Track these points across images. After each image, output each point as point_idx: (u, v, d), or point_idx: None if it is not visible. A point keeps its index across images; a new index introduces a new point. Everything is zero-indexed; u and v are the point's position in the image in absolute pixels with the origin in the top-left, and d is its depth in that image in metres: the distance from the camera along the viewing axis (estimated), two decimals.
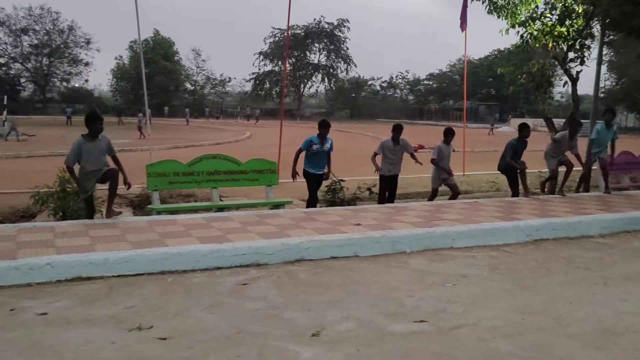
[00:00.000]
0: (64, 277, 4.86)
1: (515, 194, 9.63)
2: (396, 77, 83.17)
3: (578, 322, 4.11)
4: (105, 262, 4.99)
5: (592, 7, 11.08)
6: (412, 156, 9.13)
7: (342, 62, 75.43)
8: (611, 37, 14.19)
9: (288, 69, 72.44)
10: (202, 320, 4.03)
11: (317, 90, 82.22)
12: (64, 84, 72.89)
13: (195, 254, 5.30)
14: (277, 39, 71.84)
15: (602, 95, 57.01)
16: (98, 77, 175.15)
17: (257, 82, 74.90)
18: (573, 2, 11.33)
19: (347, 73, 77.65)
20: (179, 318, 4.06)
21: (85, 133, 6.74)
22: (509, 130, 47.27)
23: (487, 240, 6.59)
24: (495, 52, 69.67)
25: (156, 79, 66.82)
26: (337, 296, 4.62)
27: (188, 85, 78.38)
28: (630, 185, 11.00)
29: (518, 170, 9.38)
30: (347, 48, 75.01)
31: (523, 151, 9.53)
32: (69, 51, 71.17)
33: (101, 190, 7.79)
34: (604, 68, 52.02)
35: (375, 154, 9.17)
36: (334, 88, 77.70)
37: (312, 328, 3.90)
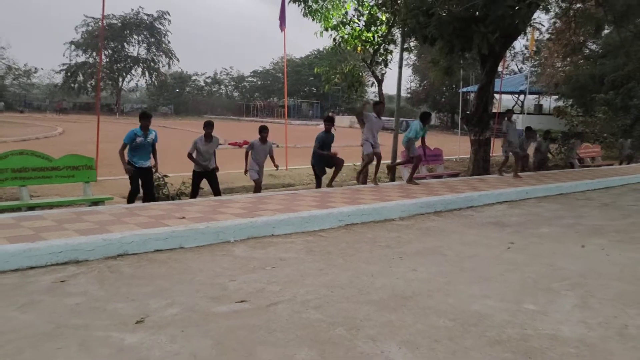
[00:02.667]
0: None
1: (318, 185, 10.63)
2: (220, 73, 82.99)
3: (377, 291, 4.79)
4: None
5: (393, 16, 12.43)
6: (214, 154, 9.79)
7: (164, 56, 72.95)
8: (412, 43, 15.86)
9: (104, 61, 68.05)
10: (14, 320, 3.90)
11: (137, 85, 78.53)
12: None
13: (3, 254, 5.01)
14: (90, 28, 67.05)
15: (408, 95, 63.24)
16: None
17: (69, 74, 69.05)
18: (377, 11, 12.58)
19: (169, 67, 75.35)
20: None
21: None
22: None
23: (305, 227, 7.17)
24: (316, 52, 73.10)
25: None
26: (161, 286, 4.75)
27: None
28: (427, 175, 12.61)
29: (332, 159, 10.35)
30: (169, 42, 72.82)
31: (331, 143, 10.49)
32: None
33: None
34: (409, 71, 57.56)
35: (190, 153, 9.45)
36: (155, 83, 74.84)
37: (136, 316, 4.01)
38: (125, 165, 8.50)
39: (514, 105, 53.15)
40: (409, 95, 62.42)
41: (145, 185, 8.82)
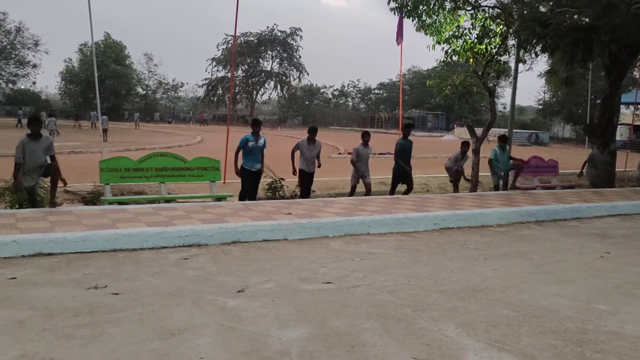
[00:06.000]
0: (27, 252, 5.63)
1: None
2: (348, 85, 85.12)
3: (451, 283, 5.21)
4: (64, 240, 5.78)
5: (507, 28, 12.48)
6: (317, 158, 10.34)
7: (295, 70, 76.57)
8: (536, 52, 15.46)
9: (241, 75, 72.99)
10: (148, 282, 4.91)
11: (269, 97, 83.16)
12: (10, 85, 70.90)
13: (144, 235, 6.15)
14: (229, 45, 72.37)
15: (539, 107, 60.31)
16: (46, 80, 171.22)
17: (210, 87, 75.09)
18: (491, 23, 12.70)
19: (299, 81, 78.89)
20: (129, 281, 4.92)
21: (29, 133, 7.51)
22: (452, 138, 49.40)
23: (399, 228, 7.68)
24: (442, 64, 72.34)
25: (107, 83, 66.12)
26: (263, 267, 5.58)
27: (139, 90, 77.84)
28: (537, 186, 12.42)
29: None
30: (300, 56, 76.31)
31: (410, 150, 10.83)
32: (16, 52, 69.29)
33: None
34: (542, 81, 54.92)
35: (293, 151, 10.25)
36: (286, 95, 78.75)
37: (238, 287, 4.84)
38: (236, 167, 9.49)
39: None
40: (540, 106, 59.61)
41: (251, 187, 9.60)
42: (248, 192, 9.60)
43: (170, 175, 8.94)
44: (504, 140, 11.77)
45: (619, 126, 21.52)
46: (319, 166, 10.50)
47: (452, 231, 7.90)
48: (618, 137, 16.20)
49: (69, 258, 5.62)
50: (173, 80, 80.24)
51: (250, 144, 9.47)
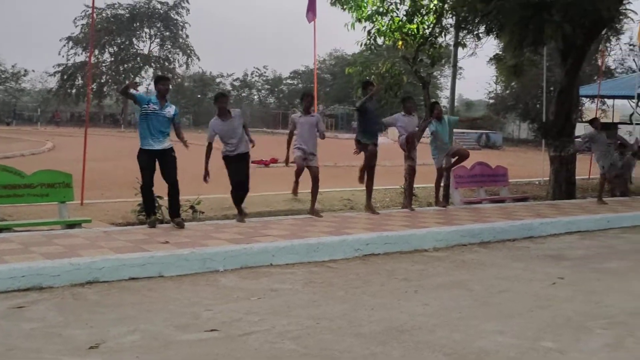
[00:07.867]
0: None
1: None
2: (252, 74, 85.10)
3: (370, 324, 5.38)
4: None
5: (442, 4, 13.07)
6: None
7: (181, 54, 75.83)
8: (480, 34, 16.22)
9: (108, 60, 71.35)
10: None
11: (147, 89, 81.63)
12: None
13: None
14: (90, 20, 70.66)
15: (491, 101, 63.13)
16: None
17: (65, 76, 72.71)
18: None
19: (187, 67, 78.15)
20: None
21: None
22: (386, 141, 50.65)
23: (311, 257, 7.82)
24: (365, 47, 74.21)
25: None
26: (127, 313, 5.51)
27: None
28: (483, 199, 13.04)
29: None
30: (187, 36, 75.60)
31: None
32: None
33: None
34: (491, 70, 57.49)
35: (209, 143, 9.20)
36: (170, 87, 77.78)
37: (91, 342, 4.76)
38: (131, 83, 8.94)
39: (632, 114, 52.25)
40: (491, 101, 62.42)
41: (165, 170, 8.59)
42: (152, 185, 8.61)
43: (2, 195, 8.58)
44: (435, 107, 11.73)
45: (581, 124, 22.97)
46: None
47: (377, 258, 8.15)
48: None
49: None
50: (13, 66, 76.77)
51: (152, 107, 8.35)
